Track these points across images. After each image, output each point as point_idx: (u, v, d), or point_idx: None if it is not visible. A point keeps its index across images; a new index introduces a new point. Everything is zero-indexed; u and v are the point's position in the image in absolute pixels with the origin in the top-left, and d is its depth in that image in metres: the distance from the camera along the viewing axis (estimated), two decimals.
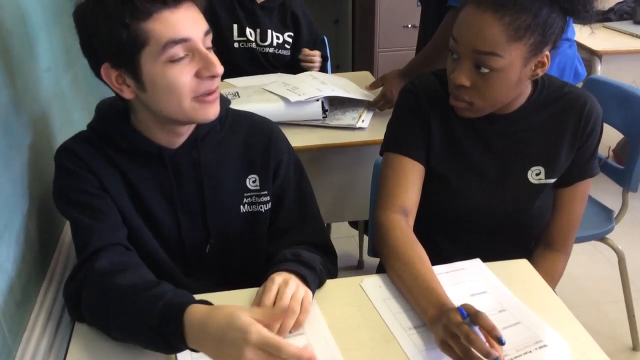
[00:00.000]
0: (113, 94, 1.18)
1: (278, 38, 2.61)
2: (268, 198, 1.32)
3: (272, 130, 1.34)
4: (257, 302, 1.12)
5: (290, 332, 1.09)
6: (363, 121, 2.05)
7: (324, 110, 2.04)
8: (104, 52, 1.08)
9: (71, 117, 1.57)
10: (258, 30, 2.60)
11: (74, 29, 1.63)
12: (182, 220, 1.25)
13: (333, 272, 1.32)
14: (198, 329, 0.93)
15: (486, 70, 1.24)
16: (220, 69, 1.10)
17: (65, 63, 1.55)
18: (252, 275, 1.23)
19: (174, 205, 1.24)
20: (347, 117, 2.07)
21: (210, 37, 1.11)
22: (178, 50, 1.06)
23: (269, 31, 2.58)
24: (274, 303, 1.09)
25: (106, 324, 1.05)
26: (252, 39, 2.59)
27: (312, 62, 2.60)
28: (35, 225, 1.20)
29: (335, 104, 2.15)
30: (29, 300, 1.12)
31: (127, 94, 1.12)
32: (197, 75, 1.09)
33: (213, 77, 1.10)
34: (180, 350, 0.98)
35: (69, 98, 1.56)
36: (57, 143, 1.23)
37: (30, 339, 1.06)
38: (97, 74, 1.12)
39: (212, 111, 1.14)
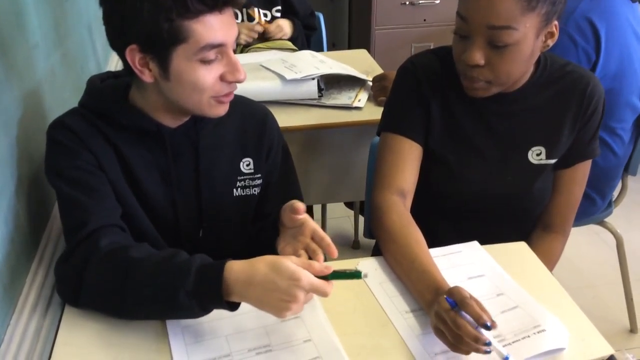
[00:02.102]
0: (102, 71, 1.15)
1: (265, 15, 2.57)
2: (261, 181, 1.32)
3: (266, 115, 1.35)
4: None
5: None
6: (360, 100, 2.02)
7: (320, 90, 2.01)
8: (138, 36, 1.07)
9: (62, 95, 1.53)
10: (244, 10, 2.56)
11: (62, 3, 1.61)
12: (178, 201, 1.23)
13: None
14: (246, 282, 0.97)
15: (501, 46, 1.20)
16: (243, 75, 1.12)
17: (55, 39, 1.51)
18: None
19: (170, 186, 1.22)
20: (344, 97, 2.05)
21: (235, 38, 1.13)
22: (211, 53, 1.08)
23: (255, 10, 2.54)
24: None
25: (121, 300, 1.03)
26: (238, 20, 2.55)
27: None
28: (24, 206, 1.18)
29: (331, 83, 2.12)
30: (17, 282, 1.10)
31: (147, 78, 1.11)
32: (222, 77, 1.11)
33: (236, 82, 1.13)
34: (211, 310, 1.02)
35: (59, 75, 1.53)
36: (48, 121, 1.20)
37: (18, 322, 1.04)
38: (116, 48, 1.12)
39: (224, 108, 1.17)
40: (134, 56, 1.09)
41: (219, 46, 1.08)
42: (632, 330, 2.26)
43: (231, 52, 1.11)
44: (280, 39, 2.56)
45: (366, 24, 3.60)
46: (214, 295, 0.98)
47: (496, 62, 1.24)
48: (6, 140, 1.13)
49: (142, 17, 1.04)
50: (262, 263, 0.97)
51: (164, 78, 1.10)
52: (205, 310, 1.01)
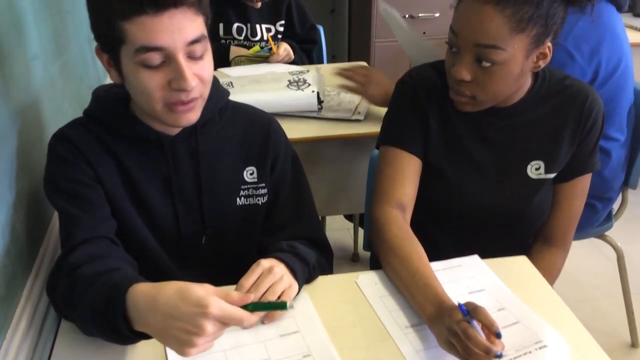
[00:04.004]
0: (105, 82, 1.16)
1: (269, 30, 2.58)
2: (265, 190, 1.30)
3: (270, 123, 1.33)
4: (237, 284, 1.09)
5: (263, 322, 1.09)
6: (359, 113, 2.02)
7: (320, 102, 2.01)
8: (94, 36, 1.10)
9: (62, 106, 1.53)
10: (249, 25, 2.57)
11: (63, 14, 1.61)
12: (179, 209, 1.23)
13: (327, 269, 1.29)
14: (145, 306, 0.88)
15: (488, 64, 1.21)
16: (190, 84, 1.05)
17: (54, 50, 1.51)
18: (246, 269, 1.21)
19: (172, 194, 1.22)
20: (343, 109, 2.04)
21: (200, 45, 1.06)
22: (152, 57, 1.03)
23: (257, 26, 2.55)
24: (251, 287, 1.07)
25: (74, 316, 1.02)
26: (241, 36, 2.56)
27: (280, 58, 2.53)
28: (22, 218, 1.17)
29: (331, 95, 2.12)
30: (13, 295, 1.09)
31: (114, 78, 1.13)
32: (169, 84, 1.06)
33: (181, 90, 1.07)
34: (129, 338, 0.92)
35: (59, 86, 1.52)
36: (47, 133, 1.20)
37: (13, 336, 1.03)
38: None
39: (185, 119, 1.12)
40: (101, 56, 1.11)
41: (156, 50, 1.02)
42: (633, 344, 2.24)
43: (180, 59, 1.04)
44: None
45: (366, 36, 3.61)
46: (118, 320, 0.89)
47: (482, 79, 1.24)
48: (4, 152, 1.13)
49: (91, 18, 1.08)
50: (169, 287, 0.88)
51: (122, 79, 1.11)
52: (122, 336, 0.92)
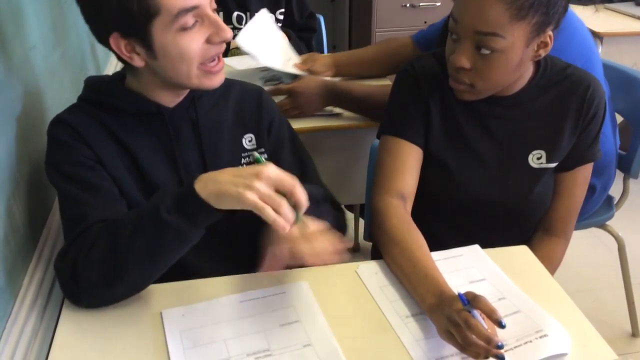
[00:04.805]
0: (101, 73, 1.15)
1: None
2: (266, 155, 1.32)
3: (261, 92, 1.37)
4: None
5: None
6: None
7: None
8: (114, 22, 1.08)
9: (61, 96, 1.53)
10: (248, 14, 2.56)
11: (61, 4, 1.60)
12: (186, 182, 1.22)
13: (343, 226, 1.33)
14: (214, 173, 0.99)
15: (487, 52, 1.20)
16: (229, 32, 1.12)
17: (53, 40, 1.50)
18: (255, 239, 1.19)
19: (177, 169, 1.22)
20: None
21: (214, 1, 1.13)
22: (188, 19, 1.07)
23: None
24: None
25: (116, 265, 1.02)
26: (241, 25, 2.55)
27: None
28: (22, 207, 1.16)
29: None
30: (13, 285, 1.08)
31: (137, 62, 1.12)
32: (208, 40, 1.11)
33: (223, 41, 1.12)
34: (196, 220, 1.00)
35: (58, 76, 1.52)
36: (46, 122, 1.20)
37: (14, 325, 1.03)
38: (103, 42, 1.13)
39: (218, 79, 1.17)
40: (119, 44, 1.10)
41: (193, 9, 1.07)
42: (634, 334, 2.25)
43: (211, 13, 1.10)
44: None
45: (367, 26, 3.60)
46: (190, 195, 0.97)
47: (482, 67, 1.23)
48: (4, 141, 1.12)
49: (111, 3, 1.05)
50: None
51: (152, 58, 1.11)
52: (190, 221, 0.99)
